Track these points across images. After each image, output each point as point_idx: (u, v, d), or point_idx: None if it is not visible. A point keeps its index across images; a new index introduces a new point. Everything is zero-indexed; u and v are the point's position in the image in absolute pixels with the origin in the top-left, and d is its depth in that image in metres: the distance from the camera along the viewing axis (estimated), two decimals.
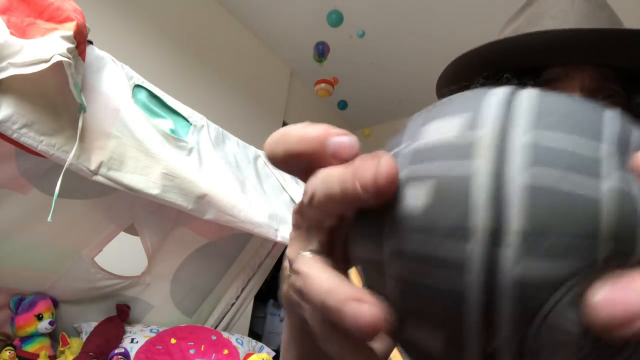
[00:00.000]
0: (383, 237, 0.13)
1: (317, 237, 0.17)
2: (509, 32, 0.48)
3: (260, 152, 1.30)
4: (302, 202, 0.16)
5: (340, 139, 0.15)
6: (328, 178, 0.14)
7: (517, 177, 0.11)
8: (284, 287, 0.19)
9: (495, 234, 0.11)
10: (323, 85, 2.66)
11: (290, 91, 3.15)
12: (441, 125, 0.13)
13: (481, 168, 0.11)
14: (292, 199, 1.30)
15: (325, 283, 0.14)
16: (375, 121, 3.75)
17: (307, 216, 0.17)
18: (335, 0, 2.37)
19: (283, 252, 1.70)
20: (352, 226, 0.16)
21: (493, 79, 0.45)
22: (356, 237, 0.15)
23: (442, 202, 0.12)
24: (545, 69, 0.43)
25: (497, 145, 0.11)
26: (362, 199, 0.13)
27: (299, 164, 0.16)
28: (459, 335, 0.11)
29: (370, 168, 0.13)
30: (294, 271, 0.15)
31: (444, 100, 0.15)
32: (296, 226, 0.18)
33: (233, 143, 1.22)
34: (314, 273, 0.14)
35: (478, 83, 0.46)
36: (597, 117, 0.12)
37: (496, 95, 0.13)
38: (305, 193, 0.15)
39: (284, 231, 1.22)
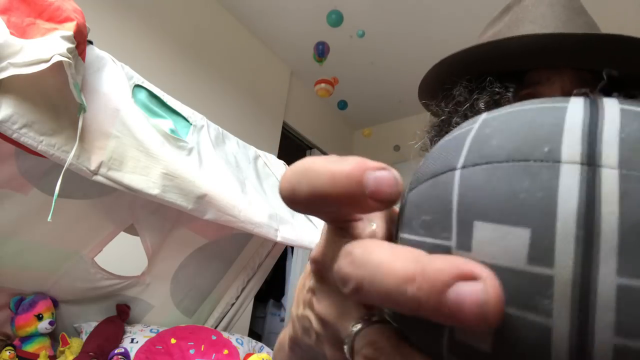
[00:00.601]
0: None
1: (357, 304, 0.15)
2: (489, 35, 0.49)
3: (261, 152, 1.30)
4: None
5: (381, 174, 0.12)
6: (380, 274, 0.10)
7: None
8: (298, 331, 0.18)
9: None
10: (323, 85, 2.66)
11: (290, 91, 3.15)
12: (496, 236, 0.10)
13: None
14: None
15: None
16: (375, 121, 3.75)
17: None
18: (335, 0, 2.37)
19: (284, 252, 1.69)
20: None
21: (475, 82, 0.46)
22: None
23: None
24: (527, 73, 0.44)
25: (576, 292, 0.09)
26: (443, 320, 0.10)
27: (327, 207, 0.13)
28: None
29: (468, 294, 0.09)
30: (368, 344, 0.13)
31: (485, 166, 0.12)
32: (318, 276, 0.16)
33: (233, 143, 1.22)
34: (402, 351, 0.12)
35: (461, 86, 0.47)
36: None
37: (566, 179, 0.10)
38: (342, 279, 0.12)
39: (284, 231, 1.22)
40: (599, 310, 0.09)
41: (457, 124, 0.47)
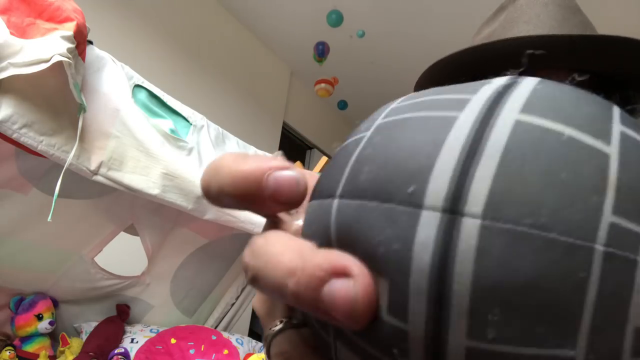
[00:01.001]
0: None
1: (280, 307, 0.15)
2: (484, 35, 0.50)
3: (261, 152, 1.30)
4: None
5: (281, 174, 0.12)
6: (270, 265, 0.10)
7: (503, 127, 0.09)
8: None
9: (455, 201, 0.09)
10: (323, 85, 2.66)
11: (290, 91, 3.15)
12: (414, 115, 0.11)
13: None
14: None
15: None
16: None
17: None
18: (335, 0, 2.37)
19: None
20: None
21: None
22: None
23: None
24: (522, 73, 0.43)
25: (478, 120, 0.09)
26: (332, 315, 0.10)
27: (237, 204, 0.13)
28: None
29: (338, 291, 0.09)
30: (279, 354, 0.13)
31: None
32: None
33: (233, 143, 1.22)
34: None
35: None
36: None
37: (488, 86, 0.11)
38: (244, 268, 0.12)
39: None
40: None
41: None
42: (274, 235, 0.11)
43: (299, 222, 0.15)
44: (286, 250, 0.10)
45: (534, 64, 0.43)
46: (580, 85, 0.43)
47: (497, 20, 0.49)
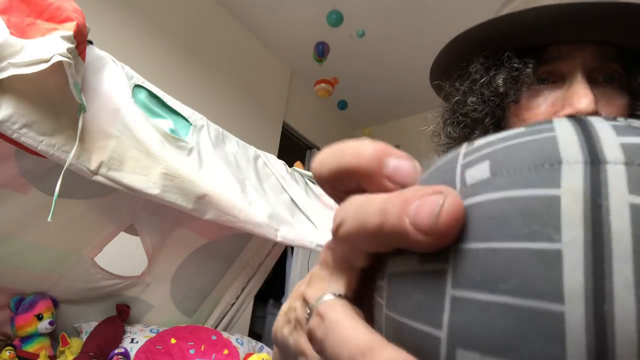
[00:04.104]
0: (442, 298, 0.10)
1: (344, 278, 0.14)
2: (505, 12, 0.45)
3: (261, 152, 1.30)
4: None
5: (401, 161, 0.13)
6: (365, 206, 0.12)
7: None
8: (280, 324, 0.17)
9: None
10: (323, 85, 2.66)
11: (290, 91, 3.15)
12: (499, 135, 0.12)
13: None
14: (292, 199, 1.30)
15: (360, 340, 0.11)
16: (375, 121, 3.75)
17: (335, 252, 0.14)
18: (335, 0, 2.37)
19: (284, 252, 1.69)
20: (389, 274, 0.12)
21: (493, 59, 0.43)
22: (396, 289, 0.12)
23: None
24: (546, 48, 0.41)
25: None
26: (410, 240, 0.10)
27: (348, 182, 0.14)
28: None
29: (430, 203, 0.10)
30: (317, 315, 0.13)
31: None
32: (323, 264, 0.15)
33: (233, 143, 1.22)
34: (345, 324, 0.12)
35: (477, 63, 0.44)
36: None
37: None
38: (334, 220, 0.13)
39: (284, 231, 1.21)
40: None
41: (473, 103, 0.44)
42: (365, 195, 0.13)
43: None
44: (378, 196, 0.12)
45: (559, 37, 0.41)
46: (612, 63, 0.40)
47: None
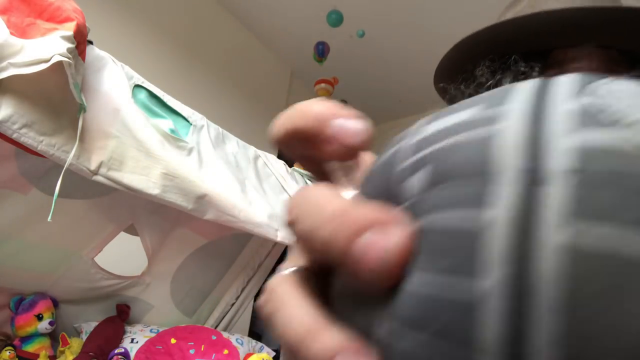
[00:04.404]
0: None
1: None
2: (510, 15, 0.46)
3: (260, 152, 1.30)
4: None
5: (346, 122, 0.12)
6: (315, 215, 0.10)
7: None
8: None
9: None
10: (323, 85, 2.66)
11: (290, 91, 3.15)
12: (452, 117, 0.10)
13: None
14: None
15: (305, 320, 0.10)
16: (376, 121, 3.75)
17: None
18: (335, 0, 2.37)
19: (284, 252, 1.69)
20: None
21: (499, 62, 0.44)
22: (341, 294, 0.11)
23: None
24: (552, 51, 0.42)
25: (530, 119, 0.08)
26: (351, 271, 0.10)
27: (298, 144, 0.13)
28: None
29: (378, 248, 0.09)
30: (267, 290, 0.12)
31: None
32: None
33: (233, 143, 1.22)
34: (291, 301, 0.11)
35: (484, 66, 0.44)
36: None
37: (522, 88, 0.10)
38: (287, 211, 0.12)
39: (284, 231, 1.22)
40: None
41: None
42: (322, 187, 0.12)
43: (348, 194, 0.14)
44: (332, 199, 0.11)
45: (565, 41, 0.41)
46: (619, 68, 0.40)
47: (523, 2, 0.46)
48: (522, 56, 0.42)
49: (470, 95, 0.46)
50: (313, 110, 0.13)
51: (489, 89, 0.43)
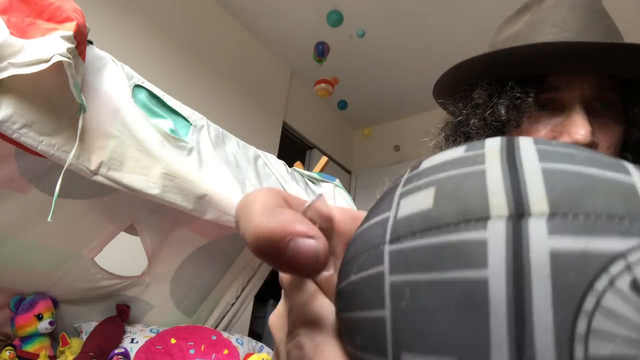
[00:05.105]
0: None
1: None
2: (508, 34, 0.49)
3: (260, 152, 1.30)
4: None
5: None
6: (245, 215, 0.13)
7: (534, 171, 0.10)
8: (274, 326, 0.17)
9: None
10: (323, 85, 2.66)
11: (290, 91, 3.15)
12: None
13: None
14: None
15: None
16: (375, 121, 3.75)
17: None
18: (335, 0, 2.37)
19: None
20: None
21: (496, 86, 0.46)
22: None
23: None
24: (547, 77, 0.44)
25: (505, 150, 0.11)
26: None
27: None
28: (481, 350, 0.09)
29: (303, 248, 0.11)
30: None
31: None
32: None
33: (233, 143, 1.22)
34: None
35: (481, 89, 0.47)
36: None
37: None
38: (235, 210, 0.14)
39: None
40: None
41: (475, 125, 0.47)
42: (262, 191, 0.14)
43: (331, 271, 0.15)
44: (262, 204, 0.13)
45: (560, 69, 0.43)
46: (610, 93, 0.43)
47: (521, 21, 0.48)
48: (517, 81, 0.45)
49: (467, 115, 0.48)
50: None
51: (485, 110, 0.46)
